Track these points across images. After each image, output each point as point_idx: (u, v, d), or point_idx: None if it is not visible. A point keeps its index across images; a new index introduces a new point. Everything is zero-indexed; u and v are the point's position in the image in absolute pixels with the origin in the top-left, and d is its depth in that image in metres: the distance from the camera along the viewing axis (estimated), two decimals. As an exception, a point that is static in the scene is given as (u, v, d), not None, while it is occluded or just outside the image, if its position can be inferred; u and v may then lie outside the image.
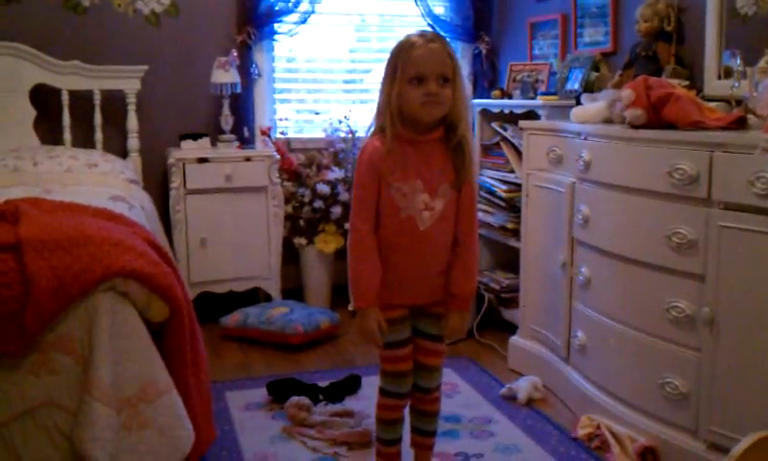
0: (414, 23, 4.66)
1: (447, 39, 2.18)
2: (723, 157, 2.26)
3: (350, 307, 2.24)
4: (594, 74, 3.59)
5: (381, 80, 2.16)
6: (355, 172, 2.20)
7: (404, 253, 2.17)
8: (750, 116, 2.43)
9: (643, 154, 2.53)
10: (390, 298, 2.20)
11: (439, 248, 2.20)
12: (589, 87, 3.53)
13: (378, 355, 2.29)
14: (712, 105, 2.63)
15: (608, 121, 2.86)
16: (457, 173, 2.17)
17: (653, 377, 2.54)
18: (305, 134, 4.68)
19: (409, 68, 2.06)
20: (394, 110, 2.09)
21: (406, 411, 2.37)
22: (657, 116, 2.54)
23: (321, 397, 3.03)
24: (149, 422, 2.07)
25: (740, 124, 2.39)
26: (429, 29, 2.17)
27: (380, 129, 2.14)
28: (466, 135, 2.17)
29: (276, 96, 4.63)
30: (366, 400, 3.04)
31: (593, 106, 2.96)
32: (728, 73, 2.92)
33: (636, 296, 2.60)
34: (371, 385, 3.16)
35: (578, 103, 3.26)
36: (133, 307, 2.11)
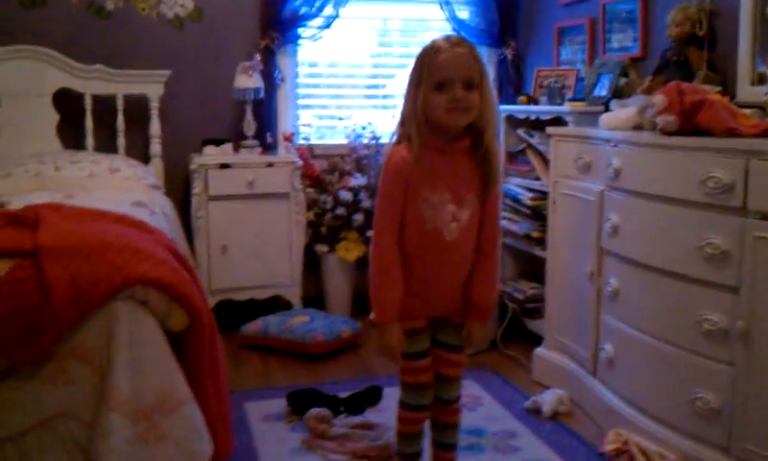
0: (438, 28, 4.62)
1: (474, 44, 2.12)
2: (759, 165, 2.19)
3: (371, 318, 2.20)
4: (623, 80, 3.51)
5: (406, 86, 2.11)
6: (381, 181, 2.13)
7: (429, 264, 2.12)
8: (786, 123, 2.35)
9: (676, 161, 2.46)
10: (411, 309, 2.15)
11: (463, 258, 2.16)
12: (618, 93, 3.45)
13: (399, 368, 2.24)
14: (746, 111, 2.56)
15: (638, 127, 2.79)
16: (484, 183, 2.13)
17: (683, 392, 2.47)
18: (328, 141, 4.63)
19: (434, 74, 2.01)
20: (420, 118, 2.04)
21: (427, 425, 2.32)
22: (690, 123, 2.47)
23: (341, 408, 2.98)
24: (166, 433, 2.02)
25: (776, 131, 2.32)
26: (454, 34, 2.10)
27: (406, 137, 2.08)
28: (492, 144, 2.11)
29: (299, 102, 4.60)
30: (387, 412, 2.98)
31: (623, 112, 2.89)
32: (761, 79, 2.85)
33: (667, 308, 2.53)
34: (392, 397, 3.09)
35: (607, 109, 3.20)
36: (153, 316, 2.06)
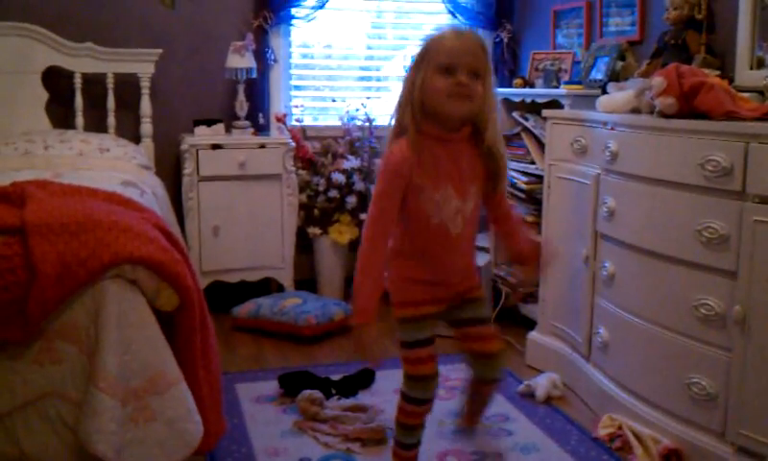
0: (433, 9, 4.57)
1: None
2: (759, 148, 2.16)
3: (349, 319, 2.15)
4: (620, 63, 3.49)
5: (406, 71, 2.03)
6: (379, 178, 2.07)
7: (435, 257, 2.09)
8: (786, 107, 2.33)
9: (674, 144, 2.43)
10: (416, 295, 2.11)
11: (467, 245, 2.14)
12: (615, 77, 3.42)
13: (400, 357, 2.18)
14: (745, 96, 2.53)
15: (636, 111, 2.75)
16: (492, 180, 2.09)
17: (679, 377, 2.45)
18: (321, 123, 4.59)
19: (439, 56, 1.95)
20: (415, 102, 1.97)
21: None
22: (688, 105, 2.44)
23: (333, 391, 2.96)
24: (156, 414, 1.99)
25: (776, 115, 2.29)
26: (463, 25, 2.06)
27: (402, 128, 2.01)
28: (497, 141, 2.06)
29: (293, 83, 4.55)
30: (380, 395, 2.96)
31: (621, 95, 2.85)
32: (760, 63, 2.82)
33: (663, 292, 2.51)
34: (385, 379, 3.09)
35: (603, 92, 3.16)
36: (142, 295, 2.03)
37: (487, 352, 2.20)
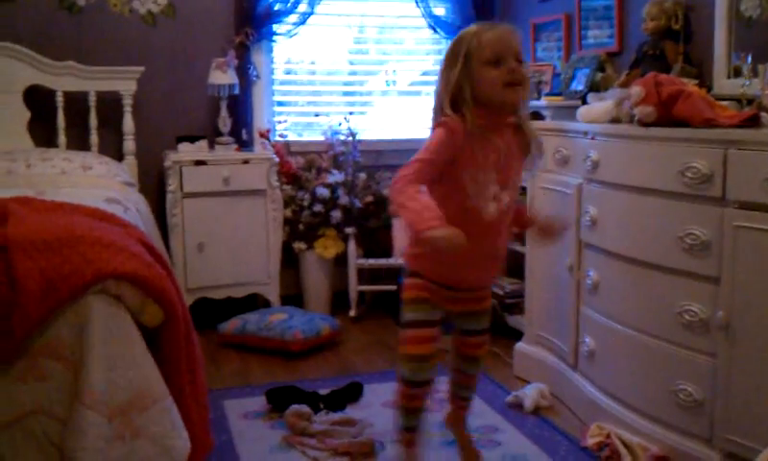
0: (415, 25, 4.59)
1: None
2: (737, 154, 2.18)
3: (419, 239, 1.94)
4: (600, 74, 3.52)
5: (444, 71, 2.08)
6: (430, 137, 2.08)
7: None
8: (763, 114, 2.35)
9: (654, 152, 2.46)
10: (433, 276, 2.15)
11: (498, 238, 2.19)
12: (595, 88, 3.46)
13: (400, 338, 2.21)
14: (723, 104, 2.56)
15: (615, 120, 2.78)
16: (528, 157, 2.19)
17: (665, 384, 2.46)
18: (306, 138, 4.59)
19: (485, 50, 2.01)
20: (467, 96, 2.02)
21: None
22: (667, 114, 2.47)
23: (321, 405, 2.94)
24: (142, 430, 1.98)
25: (754, 121, 2.31)
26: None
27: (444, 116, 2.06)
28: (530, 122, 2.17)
29: (276, 99, 4.56)
30: (368, 409, 2.96)
31: (601, 105, 2.88)
32: (737, 72, 2.85)
33: (647, 300, 2.52)
34: (373, 393, 3.09)
35: (584, 103, 3.20)
36: (126, 311, 2.01)
37: (473, 356, 2.40)
